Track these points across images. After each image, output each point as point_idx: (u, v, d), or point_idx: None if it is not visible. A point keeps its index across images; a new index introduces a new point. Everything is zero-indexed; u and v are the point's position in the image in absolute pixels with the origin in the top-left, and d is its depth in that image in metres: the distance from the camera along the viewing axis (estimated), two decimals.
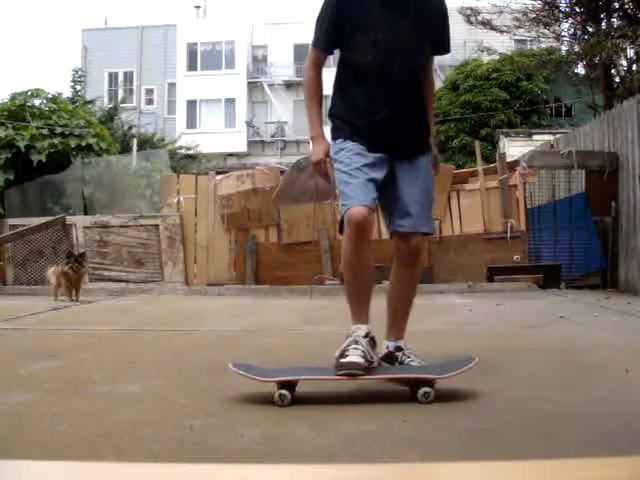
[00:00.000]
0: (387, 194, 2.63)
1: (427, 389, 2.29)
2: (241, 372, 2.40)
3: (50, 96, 11.26)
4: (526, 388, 2.55)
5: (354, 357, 2.35)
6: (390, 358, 2.62)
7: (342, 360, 2.35)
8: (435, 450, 1.84)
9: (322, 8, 2.67)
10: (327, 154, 2.66)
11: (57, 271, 6.82)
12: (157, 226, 8.64)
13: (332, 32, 2.64)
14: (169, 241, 8.59)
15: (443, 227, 8.19)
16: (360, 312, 2.55)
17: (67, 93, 15.51)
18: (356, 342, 2.41)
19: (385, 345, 2.65)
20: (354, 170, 2.54)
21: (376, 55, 2.58)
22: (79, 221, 8.93)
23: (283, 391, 2.29)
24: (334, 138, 2.70)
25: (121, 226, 8.73)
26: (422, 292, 7.00)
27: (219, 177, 8.84)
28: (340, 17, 2.60)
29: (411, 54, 2.64)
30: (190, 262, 8.66)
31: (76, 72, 18.37)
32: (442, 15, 2.74)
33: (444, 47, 2.78)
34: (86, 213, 9.82)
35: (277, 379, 2.35)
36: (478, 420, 2.10)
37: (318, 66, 2.76)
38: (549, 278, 7.61)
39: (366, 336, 2.46)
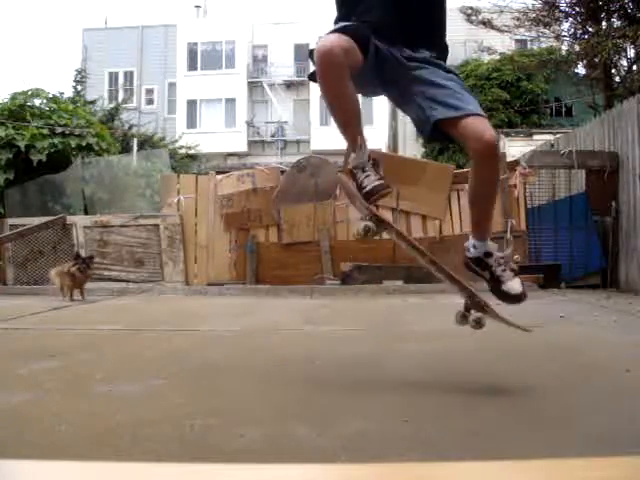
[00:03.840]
0: (416, 102, 2.43)
1: (479, 315, 2.27)
2: None
3: (50, 96, 11.26)
4: (526, 388, 2.55)
5: (374, 183, 2.33)
6: (480, 263, 2.50)
7: (367, 189, 2.33)
8: (435, 450, 1.84)
9: None
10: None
11: (61, 271, 6.80)
12: (157, 226, 8.64)
13: None
14: (169, 241, 8.59)
15: (443, 227, 8.19)
16: (357, 136, 2.41)
17: (68, 93, 15.54)
18: (363, 169, 2.37)
19: (471, 244, 2.52)
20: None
21: None
22: (79, 221, 8.93)
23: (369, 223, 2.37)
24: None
25: (121, 226, 8.73)
26: (423, 292, 7.05)
27: (219, 177, 8.85)
28: None
29: None
30: (190, 262, 8.66)
31: (79, 72, 18.42)
32: None
33: None
34: (86, 213, 9.82)
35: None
36: (478, 420, 2.10)
37: None
38: (549, 278, 7.61)
39: (368, 160, 2.39)
